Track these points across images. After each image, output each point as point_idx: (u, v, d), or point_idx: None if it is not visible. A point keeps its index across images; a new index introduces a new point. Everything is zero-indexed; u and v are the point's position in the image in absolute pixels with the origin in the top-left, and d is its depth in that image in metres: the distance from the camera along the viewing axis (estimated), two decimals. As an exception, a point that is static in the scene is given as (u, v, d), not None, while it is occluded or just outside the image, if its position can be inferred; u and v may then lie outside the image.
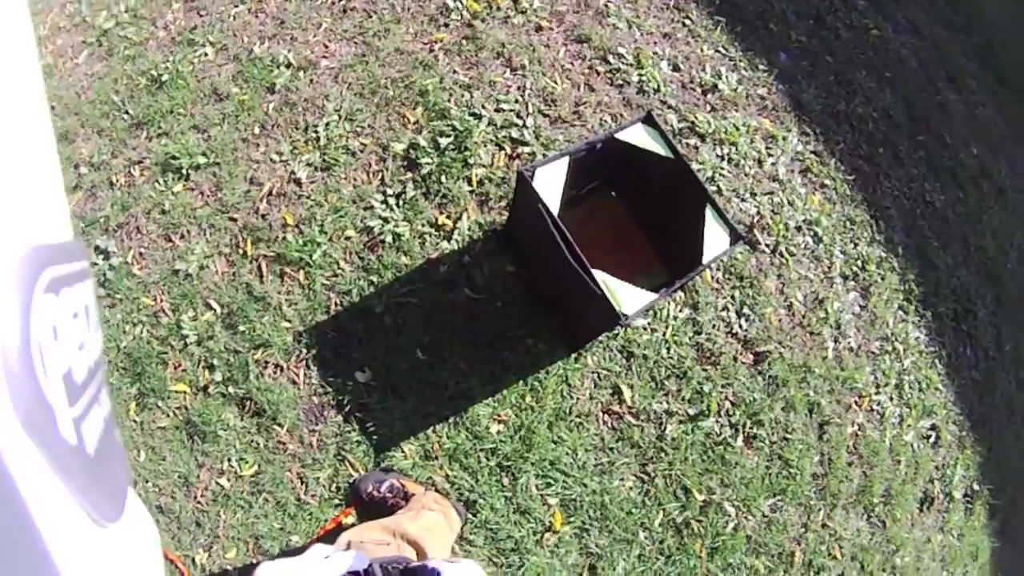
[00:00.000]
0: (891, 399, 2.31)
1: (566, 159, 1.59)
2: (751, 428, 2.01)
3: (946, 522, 2.47)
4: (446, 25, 2.24)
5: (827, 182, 2.32)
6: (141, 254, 1.99)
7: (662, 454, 1.91)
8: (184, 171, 2.03)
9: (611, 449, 1.88)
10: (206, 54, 2.22)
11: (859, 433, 2.23)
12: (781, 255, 2.14)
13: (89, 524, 0.28)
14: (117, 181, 2.08)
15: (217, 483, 1.82)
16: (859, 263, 2.30)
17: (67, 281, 0.27)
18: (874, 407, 2.26)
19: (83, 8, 2.38)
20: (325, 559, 1.07)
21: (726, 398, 1.99)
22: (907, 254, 2.43)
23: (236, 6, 2.32)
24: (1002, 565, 2.72)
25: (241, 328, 1.88)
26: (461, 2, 2.29)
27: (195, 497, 1.82)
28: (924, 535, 2.40)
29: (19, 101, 0.25)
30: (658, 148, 1.67)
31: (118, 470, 0.33)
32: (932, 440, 2.44)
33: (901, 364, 2.34)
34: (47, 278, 0.25)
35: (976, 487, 2.56)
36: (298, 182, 2.01)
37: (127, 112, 2.16)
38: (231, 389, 1.86)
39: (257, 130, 2.09)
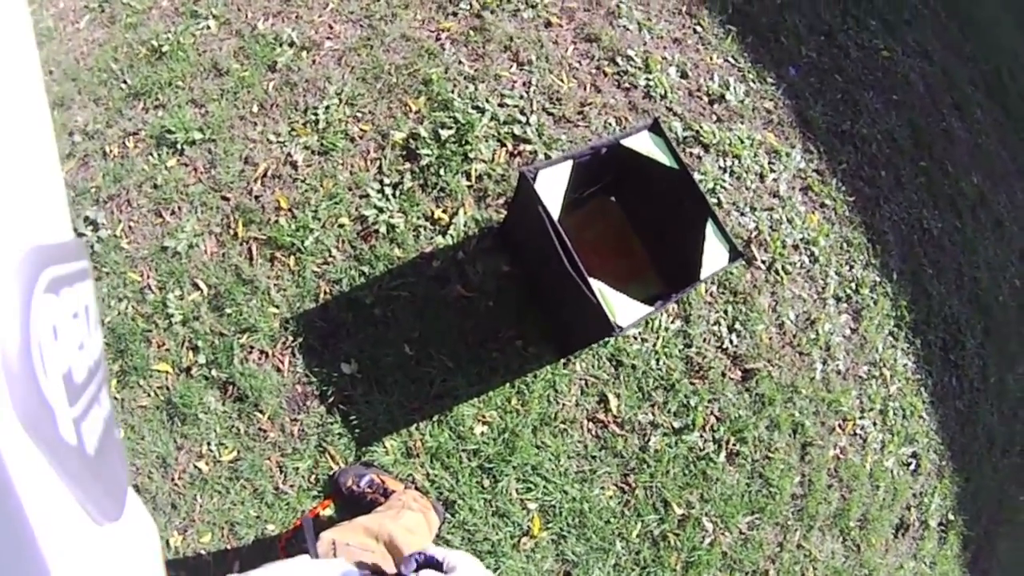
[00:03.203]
0: (875, 424, 2.31)
1: (570, 163, 1.57)
2: (734, 444, 2.01)
3: (919, 550, 2.48)
4: (455, 14, 2.21)
5: (827, 202, 2.31)
6: (130, 228, 1.96)
7: (644, 465, 1.90)
8: (179, 146, 1.99)
9: (594, 457, 1.87)
10: (209, 27, 2.18)
11: (841, 456, 2.23)
12: (777, 272, 2.13)
13: (89, 524, 0.28)
14: (111, 152, 2.04)
15: (195, 466, 1.80)
16: (853, 285, 2.29)
17: (67, 281, 0.27)
18: (857, 431, 2.27)
19: (88, -26, 2.33)
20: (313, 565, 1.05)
21: (712, 413, 1.99)
22: (901, 280, 2.43)
23: None
24: None
25: (228, 311, 1.86)
26: None
27: (172, 479, 1.80)
28: (897, 561, 2.42)
29: (19, 101, 0.25)
30: (662, 157, 1.65)
31: (118, 470, 0.33)
32: (912, 467, 2.45)
33: (887, 390, 2.35)
34: (47, 278, 0.25)
35: (951, 517, 2.57)
36: (294, 165, 1.98)
37: (125, 82, 2.12)
38: (214, 372, 1.84)
39: (256, 108, 2.06)
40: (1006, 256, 2.96)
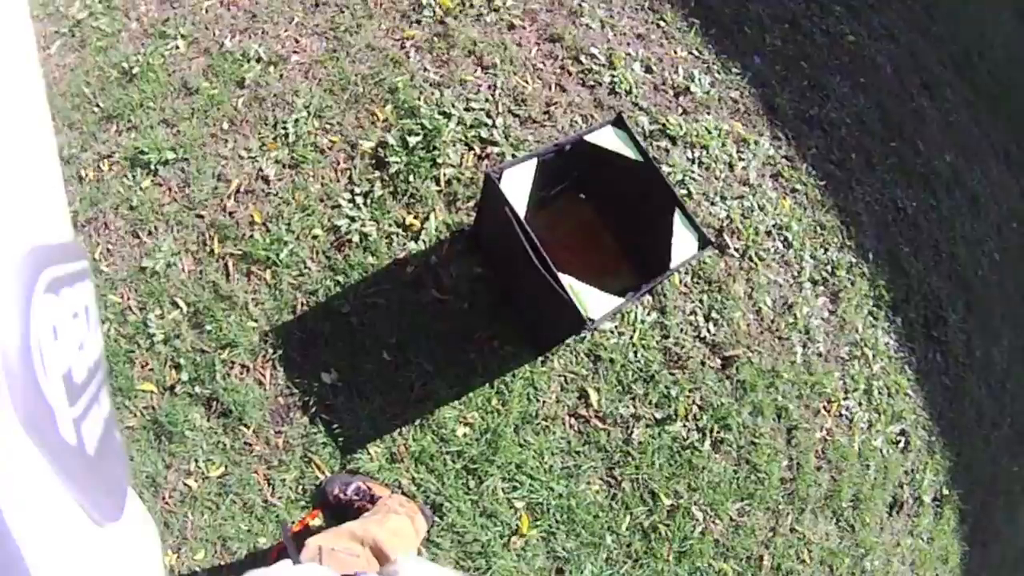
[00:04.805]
0: (860, 404, 2.32)
1: (534, 161, 1.59)
2: (719, 432, 2.02)
3: (915, 526, 2.49)
4: (418, 22, 2.23)
5: (798, 187, 2.34)
6: (108, 250, 1.97)
7: (629, 458, 1.92)
8: (152, 166, 2.01)
9: (578, 453, 1.89)
10: (177, 47, 2.20)
11: (828, 438, 2.25)
12: (750, 259, 2.14)
13: (89, 524, 0.28)
14: (86, 175, 2.05)
15: (184, 484, 1.81)
16: (829, 268, 2.31)
17: (67, 281, 0.27)
18: (843, 412, 2.28)
19: (56, -2, 2.36)
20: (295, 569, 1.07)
21: (693, 402, 2.00)
22: (877, 260, 2.45)
23: None
24: (972, 568, 2.75)
25: (208, 327, 1.87)
26: None
27: (163, 498, 1.81)
28: (894, 539, 2.43)
29: (19, 101, 0.25)
30: (627, 151, 1.68)
31: (118, 470, 0.33)
32: (901, 445, 2.46)
33: (870, 369, 2.36)
34: (47, 278, 0.25)
35: (946, 491, 2.59)
36: (266, 179, 2.00)
37: (98, 105, 2.14)
38: (197, 389, 1.85)
39: (226, 125, 2.07)
40: (984, 231, 2.98)
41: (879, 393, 2.39)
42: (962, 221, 2.85)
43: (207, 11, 2.27)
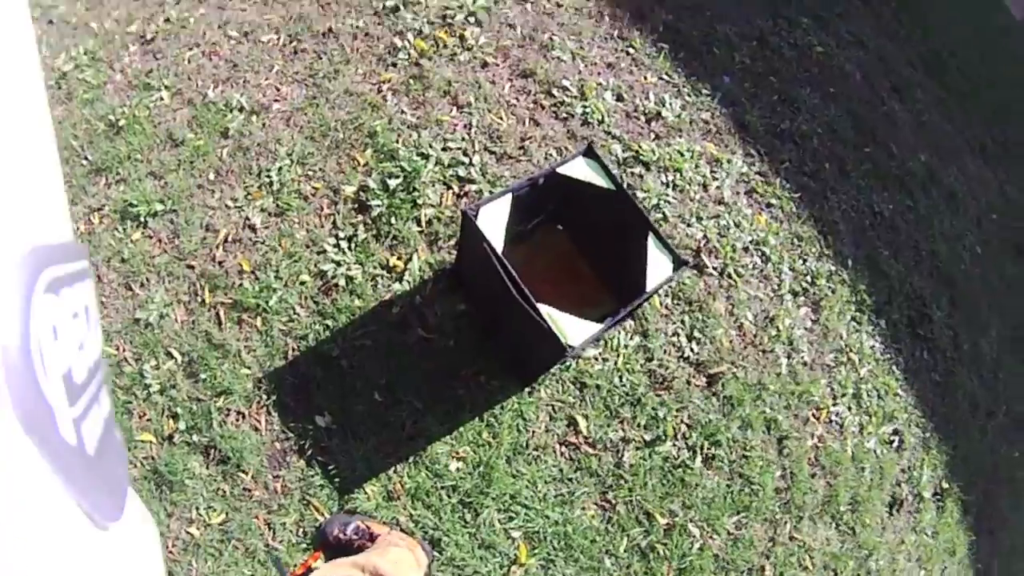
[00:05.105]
0: (849, 409, 2.36)
1: (509, 196, 1.63)
2: (709, 449, 2.05)
3: (918, 522, 2.52)
4: (394, 65, 2.29)
5: (773, 201, 2.38)
6: (103, 303, 2.02)
7: (621, 481, 1.95)
8: (142, 218, 2.06)
9: (570, 479, 1.92)
10: (162, 98, 2.26)
11: (819, 444, 2.28)
12: (729, 276, 2.19)
13: (89, 524, 0.28)
14: (77, 229, 2.10)
15: (187, 532, 1.84)
16: (808, 278, 2.35)
17: (67, 281, 0.27)
18: (833, 418, 2.31)
19: (43, 50, 2.41)
20: None
21: (682, 421, 2.04)
22: (857, 265, 2.49)
23: (191, 49, 2.36)
24: (981, 556, 2.76)
25: (202, 376, 1.91)
26: (409, 40, 2.34)
27: (167, 547, 1.84)
28: (897, 537, 2.45)
29: (19, 101, 0.25)
30: (599, 180, 1.72)
31: (118, 470, 0.33)
32: (895, 444, 2.49)
33: (857, 374, 2.40)
34: (47, 278, 0.25)
35: (945, 485, 2.61)
36: (253, 228, 2.04)
37: (86, 158, 2.19)
38: (195, 437, 1.89)
39: (212, 176, 2.13)
40: (963, 226, 3.02)
41: (868, 396, 2.42)
42: (941, 218, 2.89)
43: (189, 61, 2.33)
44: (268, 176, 2.10)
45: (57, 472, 0.25)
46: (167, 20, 2.46)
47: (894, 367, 2.53)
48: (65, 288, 0.27)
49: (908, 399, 2.56)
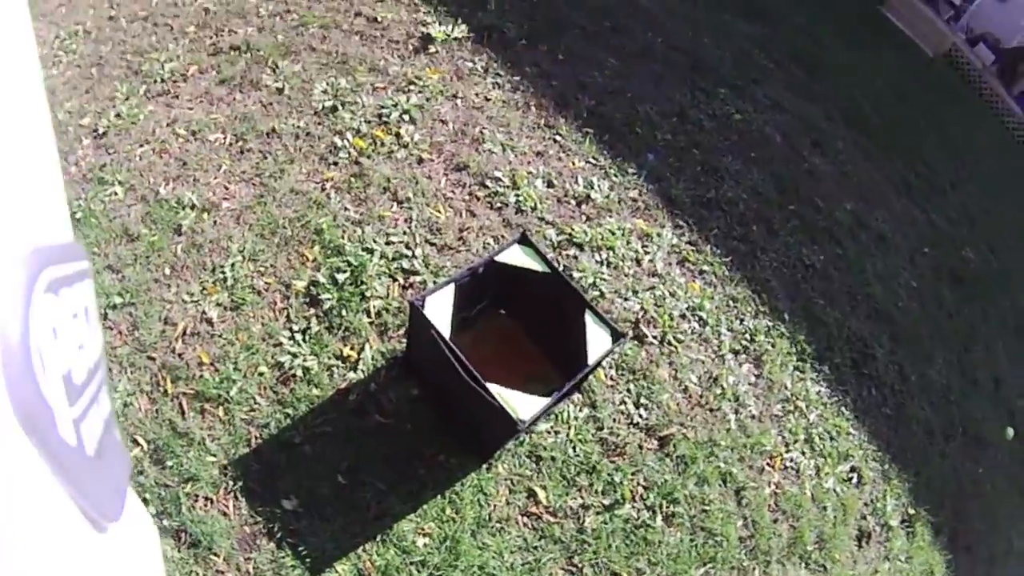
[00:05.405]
0: (803, 453, 2.48)
1: (452, 286, 1.80)
2: (668, 507, 2.17)
3: (889, 550, 2.59)
4: (335, 163, 2.48)
5: (705, 268, 2.58)
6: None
7: (586, 545, 2.05)
8: (102, 310, 2.14)
9: (535, 547, 2.02)
10: (116, 193, 2.37)
11: (778, 491, 2.39)
12: (670, 343, 2.35)
13: (88, 525, 0.28)
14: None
15: (164, 621, 1.91)
16: (747, 336, 2.52)
17: (67, 281, 0.27)
18: (788, 464, 2.44)
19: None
20: None
21: (638, 484, 2.16)
22: (794, 318, 2.67)
23: (141, 145, 2.51)
24: (962, 572, 2.81)
25: (169, 463, 1.97)
26: (348, 140, 2.54)
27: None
28: (869, 568, 2.52)
29: (18, 101, 0.26)
30: (535, 265, 1.90)
31: (118, 470, 0.33)
32: (854, 481, 2.60)
33: (807, 419, 2.54)
34: (47, 278, 0.25)
35: (912, 511, 2.69)
36: (210, 321, 2.16)
37: (43, 249, 2.33)
38: (166, 522, 1.92)
39: (168, 271, 2.24)
40: (896, 264, 3.23)
41: (820, 439, 2.55)
42: (872, 261, 3.10)
43: (140, 158, 2.47)
44: (222, 272, 2.23)
45: (57, 473, 0.25)
46: (118, 115, 2.62)
47: (843, 408, 2.68)
48: (65, 288, 0.27)
49: (861, 436, 2.69)
